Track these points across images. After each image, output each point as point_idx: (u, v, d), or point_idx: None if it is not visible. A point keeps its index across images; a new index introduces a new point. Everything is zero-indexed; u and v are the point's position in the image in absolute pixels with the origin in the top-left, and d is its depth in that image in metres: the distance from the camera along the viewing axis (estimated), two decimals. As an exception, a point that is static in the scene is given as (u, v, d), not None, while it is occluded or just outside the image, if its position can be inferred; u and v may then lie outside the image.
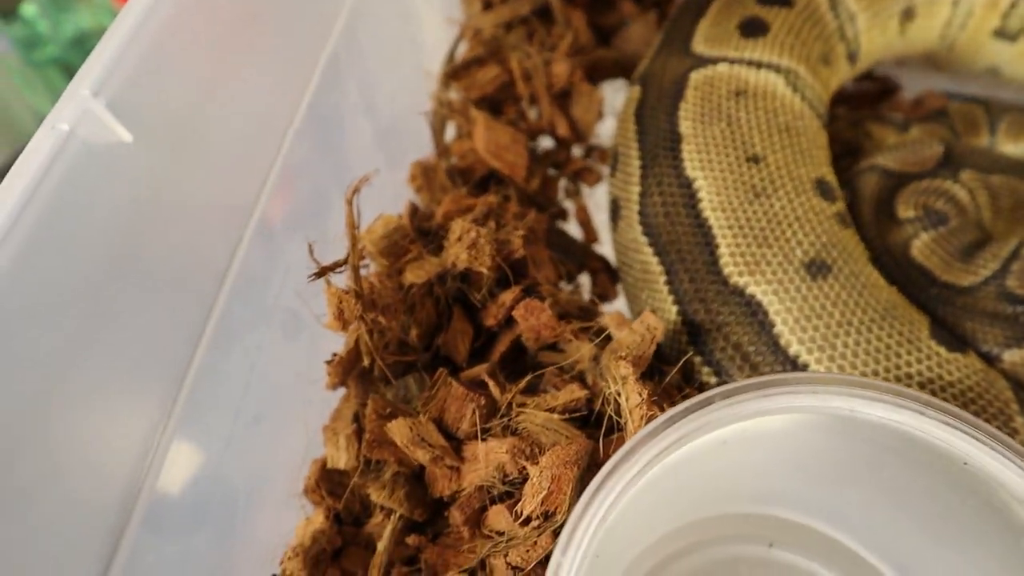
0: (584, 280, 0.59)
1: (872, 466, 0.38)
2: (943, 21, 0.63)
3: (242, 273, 0.42)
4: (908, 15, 0.61)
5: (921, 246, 0.51)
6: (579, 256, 0.58)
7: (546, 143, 0.66)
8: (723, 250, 0.44)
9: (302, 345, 0.48)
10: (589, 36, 0.68)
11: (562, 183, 0.64)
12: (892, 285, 0.47)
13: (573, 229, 0.62)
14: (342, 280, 0.46)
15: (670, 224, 0.47)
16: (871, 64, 0.64)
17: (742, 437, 0.37)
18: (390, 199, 0.58)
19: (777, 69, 0.51)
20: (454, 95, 0.63)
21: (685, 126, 0.49)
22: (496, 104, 0.64)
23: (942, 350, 0.44)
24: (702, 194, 0.46)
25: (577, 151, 0.65)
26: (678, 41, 0.55)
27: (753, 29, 0.53)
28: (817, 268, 0.44)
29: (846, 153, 0.62)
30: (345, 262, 0.45)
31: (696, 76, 0.51)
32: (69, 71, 1.06)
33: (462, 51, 0.68)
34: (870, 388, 0.35)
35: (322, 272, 0.43)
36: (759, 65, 0.51)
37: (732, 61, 0.51)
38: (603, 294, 0.57)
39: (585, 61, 0.64)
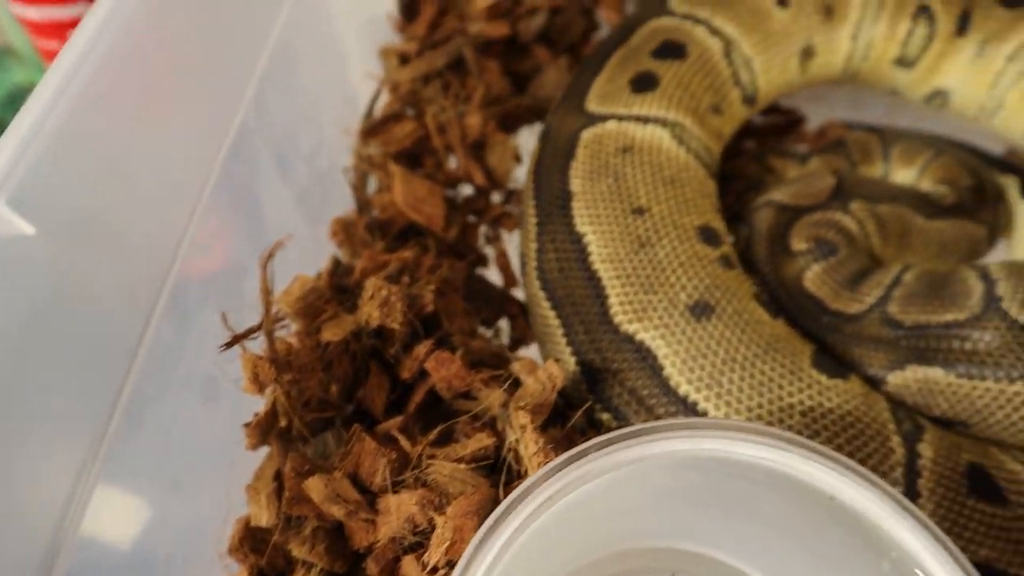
0: (505, 324, 0.61)
1: (753, 499, 0.41)
2: (844, 56, 0.66)
3: (155, 345, 0.44)
4: (808, 54, 0.64)
5: (813, 277, 0.55)
6: (497, 302, 0.60)
7: (468, 190, 0.68)
8: (612, 300, 0.47)
9: (222, 408, 0.50)
10: (504, 84, 0.71)
11: (483, 229, 0.67)
12: (778, 318, 0.50)
13: (494, 274, 0.64)
14: (262, 341, 0.48)
15: (564, 279, 0.49)
16: (773, 100, 0.67)
17: (631, 479, 0.39)
18: (316, 253, 0.60)
19: (664, 123, 0.54)
20: (374, 150, 0.66)
21: (575, 184, 0.51)
22: (415, 157, 0.67)
23: (823, 378, 0.47)
24: (591, 248, 0.49)
25: (497, 197, 0.68)
26: (574, 98, 0.58)
27: (643, 84, 0.56)
28: (701, 310, 0.46)
29: (750, 188, 0.65)
30: (259, 328, 0.47)
31: (587, 134, 0.54)
32: (3, 129, 1.06)
33: (384, 104, 0.71)
34: (740, 430, 0.37)
35: (234, 341, 0.45)
36: (646, 120, 0.54)
37: (621, 118, 0.54)
38: (521, 338, 0.59)
39: (499, 111, 0.67)
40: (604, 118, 0.55)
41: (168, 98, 0.50)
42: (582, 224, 0.50)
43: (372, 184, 0.67)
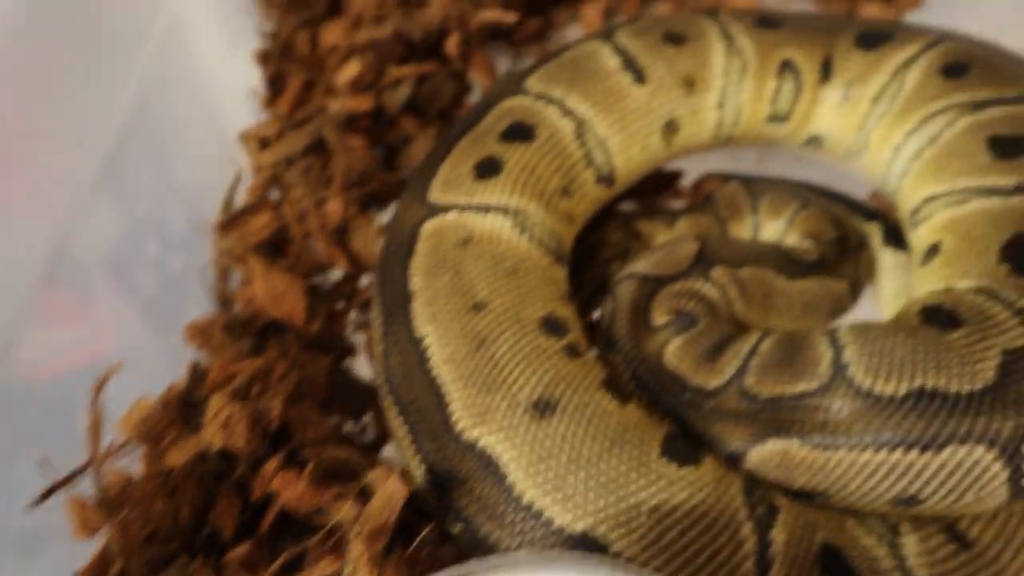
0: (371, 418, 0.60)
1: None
2: (712, 125, 0.66)
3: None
4: (671, 128, 0.64)
5: (674, 350, 0.54)
6: (362, 395, 0.59)
7: (337, 274, 0.67)
8: (454, 405, 0.46)
9: (52, 561, 0.48)
10: (370, 159, 0.70)
11: (352, 316, 0.65)
12: (628, 404, 0.49)
13: (364, 362, 0.63)
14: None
15: (408, 384, 0.48)
16: (639, 177, 0.66)
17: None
18: (174, 362, 0.58)
19: (505, 211, 0.53)
20: (233, 243, 0.64)
21: (415, 282, 0.50)
22: (277, 245, 0.65)
23: (672, 468, 0.46)
24: (431, 351, 0.47)
25: (365, 280, 0.66)
26: (419, 187, 0.57)
27: (487, 170, 0.55)
28: (544, 407, 0.46)
29: (616, 256, 0.64)
30: (85, 468, 0.45)
31: (427, 227, 0.53)
32: None
33: (247, 188, 0.69)
34: (551, 560, 0.37)
35: (50, 491, 0.43)
36: (487, 209, 0.53)
37: (462, 208, 0.53)
38: (384, 434, 0.58)
39: (361, 193, 0.66)
40: (445, 209, 0.54)
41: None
42: (422, 325, 0.49)
43: (237, 276, 0.65)
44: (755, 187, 0.69)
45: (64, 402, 0.51)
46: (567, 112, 0.60)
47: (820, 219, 0.65)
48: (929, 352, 0.47)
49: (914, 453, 0.45)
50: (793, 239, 0.66)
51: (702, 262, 0.59)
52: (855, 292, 0.63)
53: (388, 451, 0.57)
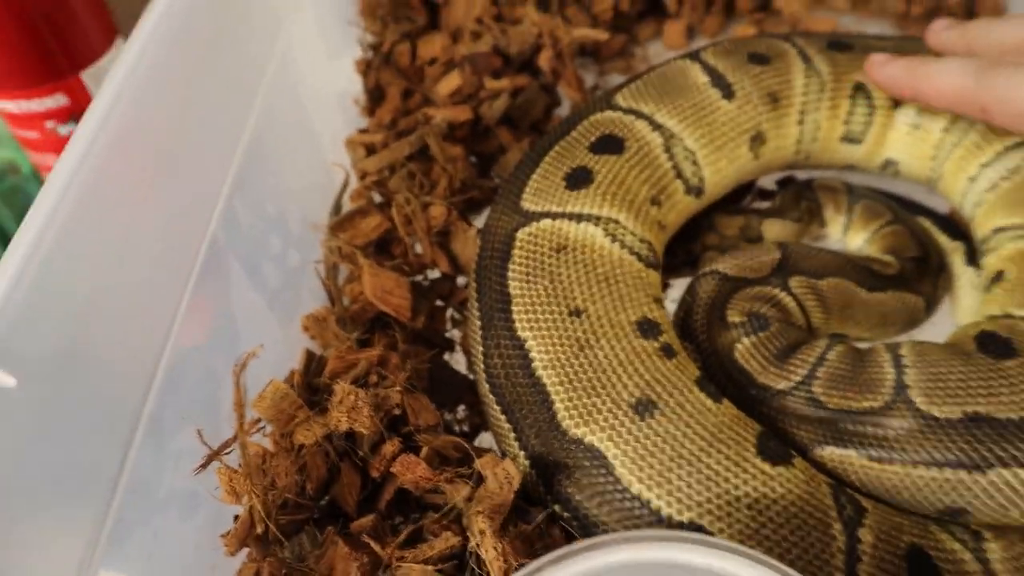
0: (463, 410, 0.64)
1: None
2: (794, 140, 0.69)
3: (134, 472, 0.47)
4: (758, 140, 0.67)
5: (743, 349, 0.56)
6: (458, 389, 0.63)
7: (436, 273, 0.71)
8: (559, 405, 0.49)
9: (202, 516, 0.53)
10: (469, 168, 0.74)
11: (450, 312, 0.69)
12: (721, 401, 0.51)
13: (460, 357, 0.67)
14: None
15: (511, 385, 0.52)
16: (728, 188, 0.69)
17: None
18: (292, 346, 0.63)
19: (596, 220, 0.56)
20: (342, 242, 0.68)
21: (513, 286, 0.53)
22: (383, 245, 0.70)
23: (767, 466, 0.49)
24: (533, 353, 0.51)
25: (462, 280, 0.71)
26: (511, 195, 0.60)
27: (578, 181, 0.58)
28: (644, 407, 0.49)
29: (712, 247, 0.68)
30: (234, 441, 0.50)
31: (522, 234, 0.56)
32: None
33: (352, 191, 0.74)
34: (678, 540, 0.40)
35: (208, 460, 0.47)
36: (580, 218, 0.56)
37: (555, 216, 0.57)
38: (480, 424, 0.62)
39: (461, 201, 0.70)
40: (539, 216, 0.57)
41: (139, 228, 0.52)
42: (523, 329, 0.52)
43: (343, 272, 0.70)
44: (855, 189, 0.72)
45: (208, 374, 0.56)
46: (656, 126, 0.63)
47: (905, 236, 0.68)
48: (982, 379, 0.50)
49: (963, 473, 0.48)
50: (873, 251, 0.69)
51: (782, 270, 0.62)
52: (930, 309, 0.65)
53: (479, 441, 0.61)
